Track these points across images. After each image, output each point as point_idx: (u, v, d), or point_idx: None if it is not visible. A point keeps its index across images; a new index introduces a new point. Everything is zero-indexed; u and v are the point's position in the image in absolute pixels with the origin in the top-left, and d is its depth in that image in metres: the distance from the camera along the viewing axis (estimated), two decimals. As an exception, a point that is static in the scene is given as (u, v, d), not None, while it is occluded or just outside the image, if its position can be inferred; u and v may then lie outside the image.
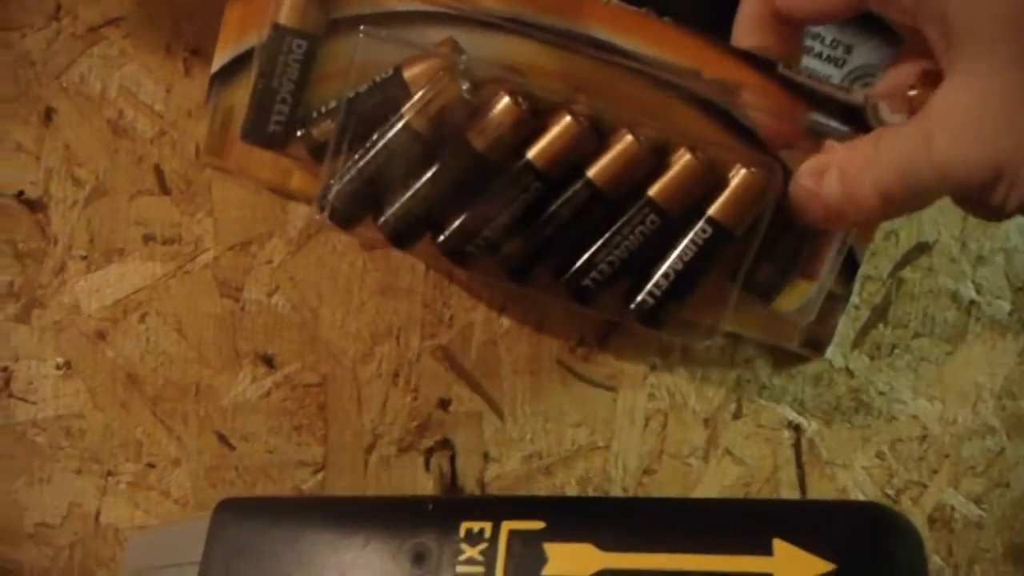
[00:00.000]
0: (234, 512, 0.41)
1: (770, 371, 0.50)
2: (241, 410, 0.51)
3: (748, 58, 0.44)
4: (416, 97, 0.43)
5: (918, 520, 0.51)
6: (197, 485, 0.51)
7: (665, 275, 0.44)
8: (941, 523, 0.51)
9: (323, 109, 0.45)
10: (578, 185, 0.44)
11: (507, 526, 0.37)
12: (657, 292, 0.45)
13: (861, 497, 0.51)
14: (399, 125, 0.43)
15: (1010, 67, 0.34)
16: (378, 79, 0.44)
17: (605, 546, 0.36)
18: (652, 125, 0.44)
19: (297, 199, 0.49)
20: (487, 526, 0.37)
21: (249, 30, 0.45)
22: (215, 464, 0.51)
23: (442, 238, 0.45)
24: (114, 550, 0.52)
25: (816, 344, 0.49)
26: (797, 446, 0.51)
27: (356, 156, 0.44)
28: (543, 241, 0.44)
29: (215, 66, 0.46)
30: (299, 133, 0.45)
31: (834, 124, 0.44)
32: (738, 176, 0.43)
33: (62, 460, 0.51)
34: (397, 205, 0.44)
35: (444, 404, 0.51)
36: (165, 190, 0.49)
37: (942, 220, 0.50)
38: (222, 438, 0.51)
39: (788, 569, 0.34)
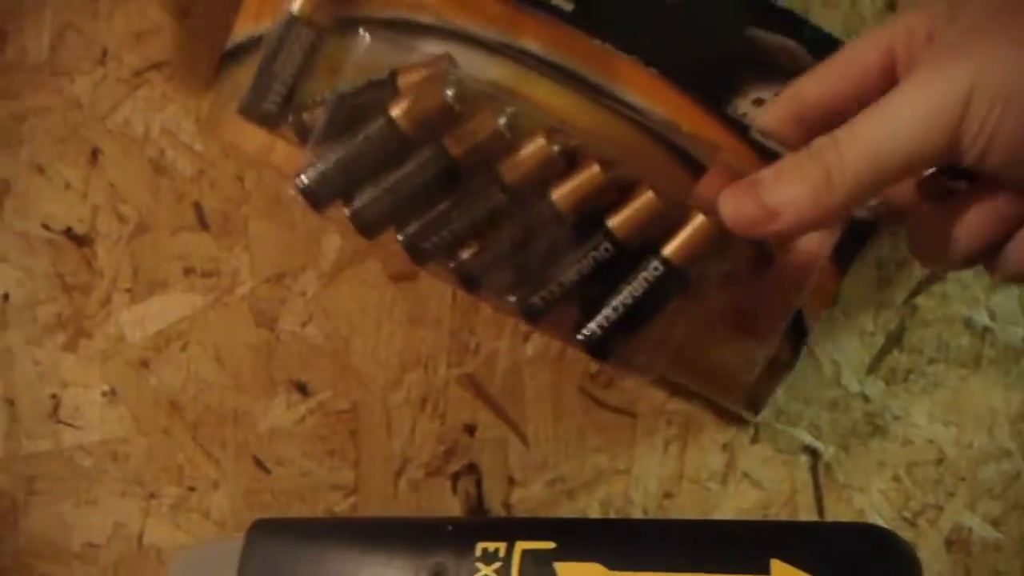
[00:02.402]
0: (267, 532, 0.43)
1: (786, 396, 0.52)
2: (276, 435, 0.53)
3: (723, 119, 0.46)
4: (403, 98, 0.45)
5: (935, 543, 0.52)
6: (235, 507, 0.53)
7: (615, 308, 0.45)
8: (959, 545, 0.52)
9: (317, 98, 0.48)
10: (540, 203, 0.45)
11: (520, 546, 0.39)
12: (605, 324, 0.46)
13: (879, 520, 0.52)
14: (383, 120, 0.45)
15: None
16: (373, 78, 0.46)
17: (612, 565, 0.37)
18: (624, 162, 0.45)
19: (274, 170, 0.51)
20: (501, 546, 0.39)
21: (265, 16, 0.48)
22: (252, 487, 0.53)
23: (403, 236, 0.46)
24: (156, 570, 0.54)
25: (753, 404, 0.51)
26: (814, 470, 0.52)
27: (334, 143, 0.46)
28: (499, 253, 0.46)
29: (229, 44, 0.49)
30: (290, 117, 0.48)
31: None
32: (695, 221, 0.44)
33: (107, 483, 0.54)
34: (367, 195, 0.46)
35: (470, 430, 0.52)
36: (204, 226, 0.52)
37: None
38: (258, 462, 0.53)
39: (784, 588, 0.36)
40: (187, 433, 0.53)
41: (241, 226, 0.52)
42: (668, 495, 0.52)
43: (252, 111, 0.48)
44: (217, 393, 0.53)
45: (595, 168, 0.45)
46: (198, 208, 0.52)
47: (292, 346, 0.52)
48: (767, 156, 0.44)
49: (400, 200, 0.46)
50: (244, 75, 0.48)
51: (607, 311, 0.45)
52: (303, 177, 0.46)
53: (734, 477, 0.52)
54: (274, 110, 0.48)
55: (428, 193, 0.45)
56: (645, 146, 0.47)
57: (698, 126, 0.46)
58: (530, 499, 0.52)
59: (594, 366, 0.52)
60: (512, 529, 0.40)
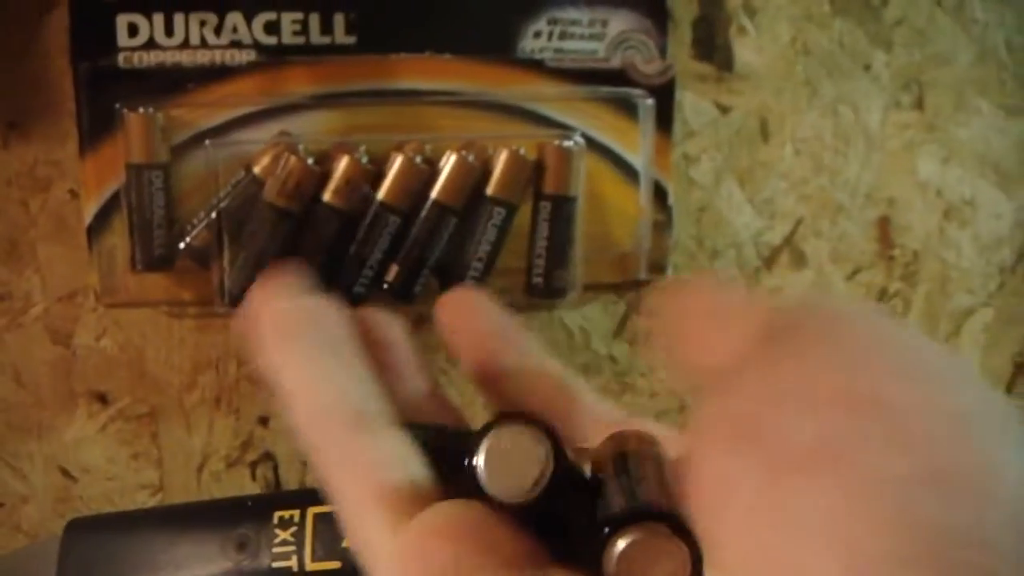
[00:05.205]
0: (82, 530, 0.47)
1: (546, 364, 0.58)
2: (81, 445, 0.56)
3: (519, 63, 0.54)
4: (271, 181, 0.50)
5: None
6: (45, 517, 0.56)
7: (539, 254, 0.52)
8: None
9: (195, 221, 0.52)
10: (428, 208, 0.51)
11: (312, 511, 0.44)
12: (541, 270, 0.53)
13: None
14: (265, 209, 0.50)
15: None
16: (234, 181, 0.51)
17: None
18: (470, 141, 0.52)
19: (193, 310, 0.56)
20: (296, 513, 0.44)
21: (106, 179, 0.52)
22: (61, 496, 0.56)
23: (335, 291, 0.51)
24: (-28, 585, 0.56)
25: (659, 267, 0.57)
26: (576, 427, 0.59)
27: (237, 249, 0.51)
28: (414, 262, 0.51)
29: (87, 220, 0.52)
30: (181, 246, 0.52)
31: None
32: (551, 152, 0.52)
33: (-84, 507, 0.56)
34: None
35: (264, 421, 0.57)
36: (-7, 253, 0.55)
37: (680, 222, 0.58)
38: (65, 472, 0.56)
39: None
40: (-8, 451, 0.56)
41: (30, 250, 0.55)
42: (449, 462, 0.58)
43: (148, 262, 0.52)
44: (19, 411, 0.56)
45: (454, 158, 0.51)
46: (-15, 237, 0.55)
47: (89, 360, 0.56)
48: (564, 76, 0.54)
49: (315, 266, 0.51)
50: (115, 239, 0.53)
51: (536, 260, 0.52)
52: (227, 291, 0.50)
53: (506, 440, 0.58)
54: (165, 251, 0.52)
55: (335, 248, 0.51)
56: (473, 117, 0.54)
57: (501, 76, 0.54)
58: (325, 479, 0.57)
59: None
60: (304, 497, 0.45)
